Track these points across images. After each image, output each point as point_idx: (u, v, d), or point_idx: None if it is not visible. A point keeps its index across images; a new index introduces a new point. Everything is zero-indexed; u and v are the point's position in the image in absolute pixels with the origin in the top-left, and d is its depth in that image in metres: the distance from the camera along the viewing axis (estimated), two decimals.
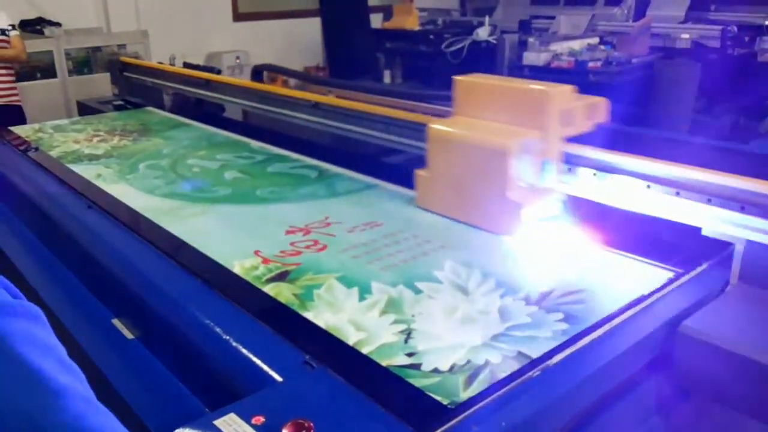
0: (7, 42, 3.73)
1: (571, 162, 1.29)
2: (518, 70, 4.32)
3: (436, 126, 1.42)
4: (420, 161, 1.74)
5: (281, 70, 3.70)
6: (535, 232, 1.26)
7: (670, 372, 1.01)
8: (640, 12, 5.33)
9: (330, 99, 1.92)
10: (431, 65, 5.35)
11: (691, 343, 0.97)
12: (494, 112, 1.36)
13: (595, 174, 1.25)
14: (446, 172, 1.39)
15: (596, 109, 1.36)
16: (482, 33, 5.04)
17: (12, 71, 3.85)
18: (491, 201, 1.29)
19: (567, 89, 1.31)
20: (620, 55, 4.17)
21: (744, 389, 0.95)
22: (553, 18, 5.29)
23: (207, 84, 2.44)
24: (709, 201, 1.14)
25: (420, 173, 1.46)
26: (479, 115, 1.38)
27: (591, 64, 4.06)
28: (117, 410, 1.00)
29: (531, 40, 4.40)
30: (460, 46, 5.05)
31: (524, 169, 1.27)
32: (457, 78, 1.44)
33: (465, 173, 1.35)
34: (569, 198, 1.31)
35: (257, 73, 3.27)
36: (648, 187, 1.18)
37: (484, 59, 4.84)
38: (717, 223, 1.13)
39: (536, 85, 1.33)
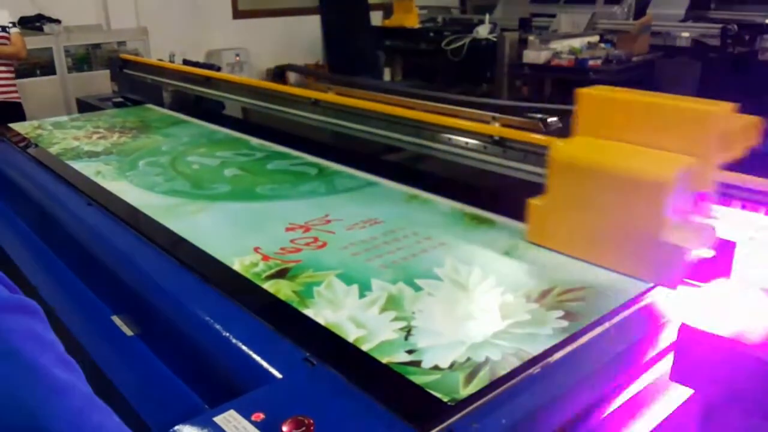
0: (7, 39, 3.73)
1: (727, 193, 1.12)
2: (518, 68, 4.32)
3: (563, 148, 1.16)
4: (418, 158, 1.75)
5: (307, 71, 3.66)
6: (713, 287, 1.01)
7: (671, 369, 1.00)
8: (640, 10, 5.34)
9: (330, 96, 1.91)
10: (431, 63, 5.35)
11: (694, 336, 0.96)
12: (635, 133, 1.11)
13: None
14: (575, 204, 1.14)
15: (752, 130, 1.14)
16: (482, 31, 5.03)
17: (12, 68, 3.85)
18: (642, 244, 1.06)
19: (729, 107, 1.08)
20: (620, 53, 4.17)
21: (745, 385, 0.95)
22: (553, 16, 5.29)
23: (207, 81, 2.43)
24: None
25: (535, 203, 1.22)
26: (614, 137, 1.14)
27: (591, 63, 4.06)
28: (116, 407, 0.99)
29: (531, 38, 4.40)
30: (460, 44, 5.05)
31: (682, 204, 1.04)
32: (582, 91, 1.18)
33: (604, 209, 1.10)
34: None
35: (279, 74, 3.25)
36: None
37: (484, 57, 4.83)
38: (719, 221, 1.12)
39: (692, 103, 1.11)
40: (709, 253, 1.07)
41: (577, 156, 1.15)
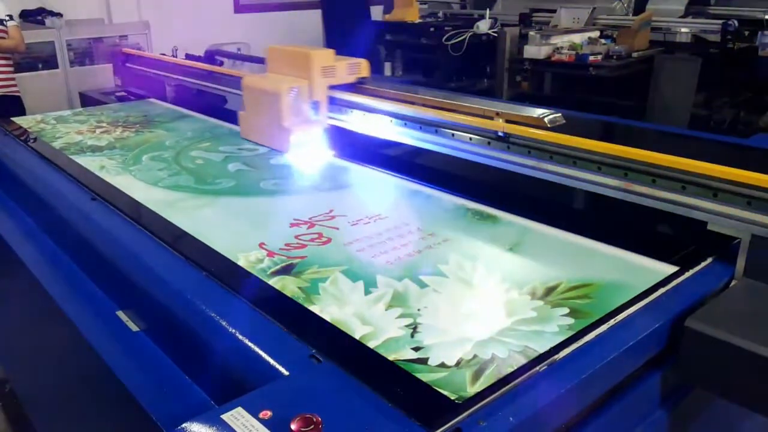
0: (5, 32, 3.71)
1: (334, 102, 1.84)
2: (518, 63, 4.31)
3: (247, 79, 2.00)
4: (417, 154, 1.75)
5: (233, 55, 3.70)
6: (305, 152, 1.82)
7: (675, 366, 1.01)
8: (640, 6, 5.32)
9: (334, 92, 1.91)
10: (432, 58, 5.33)
11: (697, 338, 0.97)
12: (285, 69, 1.90)
13: (350, 111, 1.80)
14: (253, 110, 1.96)
15: (358, 67, 1.89)
16: (483, 26, 5.01)
17: (11, 62, 3.83)
18: (274, 128, 1.83)
19: (329, 52, 1.86)
20: (620, 48, 4.15)
21: (749, 383, 0.95)
22: (553, 11, 5.27)
23: (209, 75, 2.43)
24: (715, 196, 1.14)
25: (241, 113, 2.01)
26: (279, 72, 1.90)
27: (591, 58, 4.04)
28: (122, 403, 1.00)
29: (532, 33, 4.38)
30: (460, 39, 5.03)
31: (296, 107, 1.80)
32: (270, 47, 1.98)
33: (261, 110, 1.90)
34: (336, 128, 1.85)
35: (210, 56, 3.34)
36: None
37: (484, 52, 4.82)
38: (722, 217, 1.13)
39: (305, 49, 1.88)
40: (315, 136, 1.85)
41: (252, 82, 1.96)
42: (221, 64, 3.20)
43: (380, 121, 1.72)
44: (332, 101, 1.84)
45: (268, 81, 1.88)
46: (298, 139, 1.80)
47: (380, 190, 1.58)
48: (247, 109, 1.98)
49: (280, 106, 1.78)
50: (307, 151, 1.81)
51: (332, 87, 1.84)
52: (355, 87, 1.84)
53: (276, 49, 1.96)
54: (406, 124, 1.35)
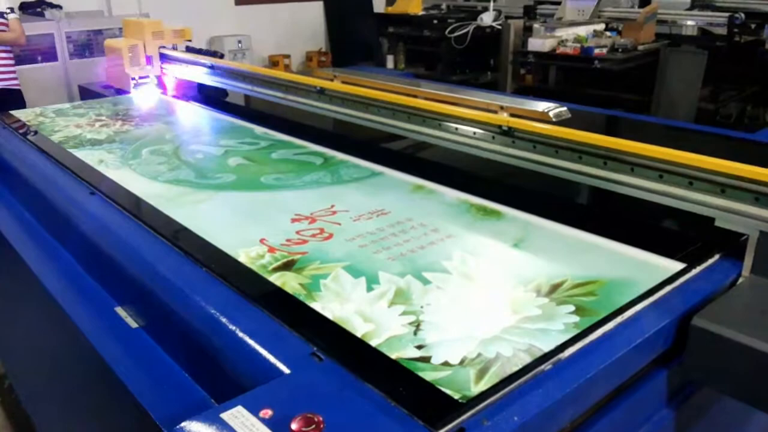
0: (6, 25, 3.69)
1: (163, 58, 2.65)
2: (522, 56, 4.28)
3: (107, 41, 2.80)
4: (423, 148, 1.73)
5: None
6: (140, 93, 2.61)
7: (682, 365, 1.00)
8: None
9: (336, 85, 1.89)
10: (435, 50, 5.30)
11: (704, 336, 0.96)
12: (133, 35, 2.68)
13: (171, 63, 2.64)
14: (111, 63, 2.72)
15: (183, 33, 2.70)
16: (486, 18, 4.98)
17: (11, 54, 3.81)
18: (122, 76, 2.65)
19: (157, 21, 2.73)
20: (626, 41, 4.13)
21: (756, 381, 0.94)
22: (558, 4, 5.23)
23: (211, 68, 2.41)
24: (723, 192, 1.12)
25: (106, 66, 2.79)
26: (131, 37, 2.69)
27: (597, 51, 4.02)
28: (121, 401, 0.99)
29: (536, 26, 4.35)
30: (464, 31, 5.00)
31: (134, 59, 2.62)
32: (124, 20, 2.88)
33: (113, 63, 2.69)
34: (163, 77, 2.65)
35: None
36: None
37: (488, 45, 4.79)
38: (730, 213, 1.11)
39: (140, 19, 2.86)
40: (152, 84, 2.66)
41: (109, 43, 2.75)
42: (222, 56, 3.18)
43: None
44: (161, 57, 2.66)
45: (120, 42, 2.70)
46: (140, 84, 2.63)
47: (384, 185, 1.55)
48: (108, 64, 2.76)
49: (121, 59, 2.60)
50: (145, 92, 2.62)
51: (162, 47, 2.65)
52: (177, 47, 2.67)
53: (128, 22, 2.80)
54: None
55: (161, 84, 2.65)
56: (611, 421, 0.92)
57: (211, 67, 2.36)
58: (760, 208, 1.08)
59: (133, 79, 2.59)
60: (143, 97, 2.57)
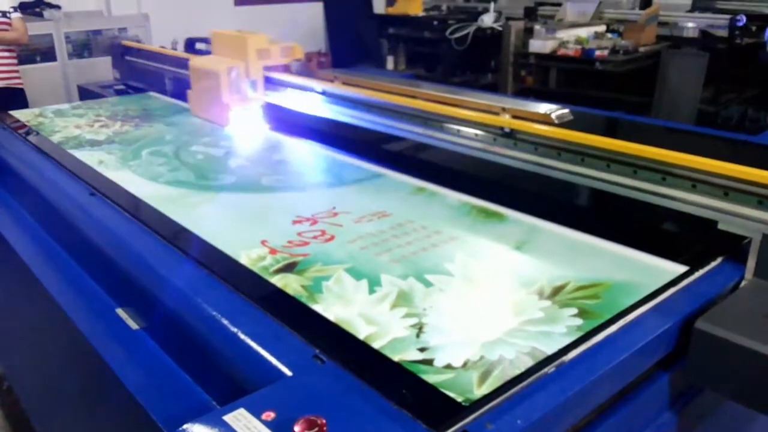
0: (9, 24, 3.69)
1: (270, 81, 2.08)
2: (523, 57, 4.28)
3: (193, 60, 2.22)
4: (422, 148, 1.72)
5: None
6: (243, 126, 2.03)
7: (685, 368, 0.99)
8: (647, 0, 5.28)
9: (336, 86, 1.88)
10: (435, 52, 5.30)
11: (707, 339, 0.95)
12: (227, 52, 2.14)
13: (284, 90, 2.04)
14: (198, 89, 2.19)
15: (291, 51, 2.12)
16: (487, 19, 4.98)
17: (14, 54, 3.81)
18: (215, 104, 2.07)
19: (263, 36, 2.08)
20: (627, 43, 4.13)
21: (759, 385, 0.94)
22: (559, 5, 5.23)
23: (323, 94, 2.38)
24: (726, 194, 1.12)
25: (189, 92, 2.23)
26: (222, 54, 2.15)
27: (598, 53, 4.02)
28: (122, 403, 0.98)
29: (537, 27, 4.35)
30: (464, 32, 5.00)
31: (235, 85, 2.04)
32: (213, 31, 2.25)
33: (204, 88, 2.13)
34: (271, 105, 2.06)
35: (190, 44, 3.39)
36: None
37: (488, 46, 4.79)
38: (733, 216, 1.11)
39: (241, 34, 2.09)
40: (251, 111, 2.06)
41: (198, 63, 2.18)
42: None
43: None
44: (268, 81, 2.09)
45: (211, 62, 2.13)
46: (237, 114, 2.05)
47: (386, 187, 1.55)
48: (193, 88, 2.22)
49: (218, 84, 2.03)
50: (245, 124, 2.05)
51: (267, 68, 2.09)
52: (288, 68, 2.11)
53: (219, 35, 2.22)
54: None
55: (263, 115, 2.08)
56: (614, 424, 0.91)
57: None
58: (763, 211, 1.08)
59: (231, 109, 2.02)
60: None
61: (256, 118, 2.05)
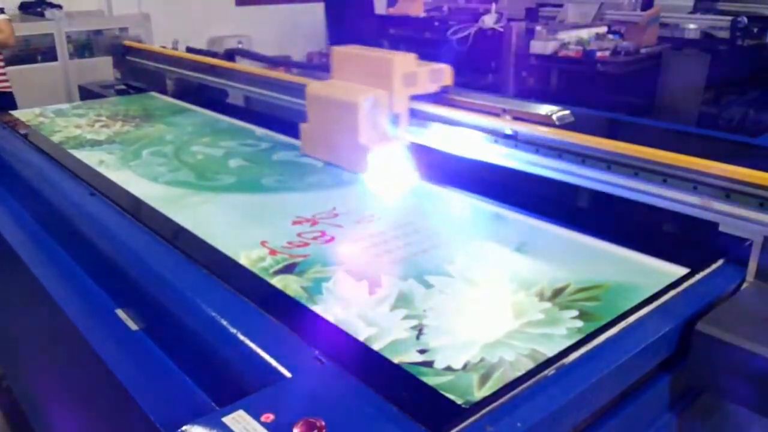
0: None
1: (416, 115, 1.58)
2: (525, 58, 4.28)
3: (312, 87, 1.71)
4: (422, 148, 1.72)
5: (253, 55, 3.67)
6: (383, 172, 1.54)
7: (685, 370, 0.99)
8: (648, 1, 5.28)
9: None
10: (436, 53, 5.29)
11: (707, 342, 0.95)
12: (357, 75, 1.64)
13: (433, 126, 1.54)
14: (319, 123, 1.69)
15: (440, 74, 1.63)
16: (488, 20, 4.98)
17: (1, 56, 3.68)
18: (348, 145, 1.58)
19: (411, 57, 1.58)
20: (628, 44, 4.12)
21: (760, 388, 0.93)
22: (560, 6, 5.23)
23: (211, 69, 2.40)
24: (727, 197, 1.12)
25: (303, 126, 1.74)
26: (348, 78, 1.66)
27: (599, 54, 4.02)
28: (121, 404, 0.98)
29: (538, 28, 4.35)
30: (465, 33, 5.00)
31: (374, 120, 1.55)
32: (334, 48, 1.73)
33: (331, 124, 1.64)
34: (416, 145, 1.58)
35: (229, 56, 3.29)
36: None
37: (490, 47, 4.78)
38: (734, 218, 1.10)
39: (385, 54, 1.61)
40: (397, 154, 1.55)
41: (318, 91, 1.69)
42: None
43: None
44: (413, 114, 1.57)
45: (341, 89, 1.62)
46: (377, 158, 1.53)
47: (386, 188, 1.54)
48: (310, 121, 1.71)
49: (356, 120, 1.52)
50: (386, 172, 1.53)
51: (414, 97, 1.58)
52: (441, 97, 1.59)
53: (344, 52, 1.70)
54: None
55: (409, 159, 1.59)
56: (615, 427, 0.91)
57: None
58: (764, 213, 1.08)
59: (370, 151, 1.54)
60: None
61: (401, 163, 1.56)
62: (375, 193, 1.43)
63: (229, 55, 3.12)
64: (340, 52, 1.71)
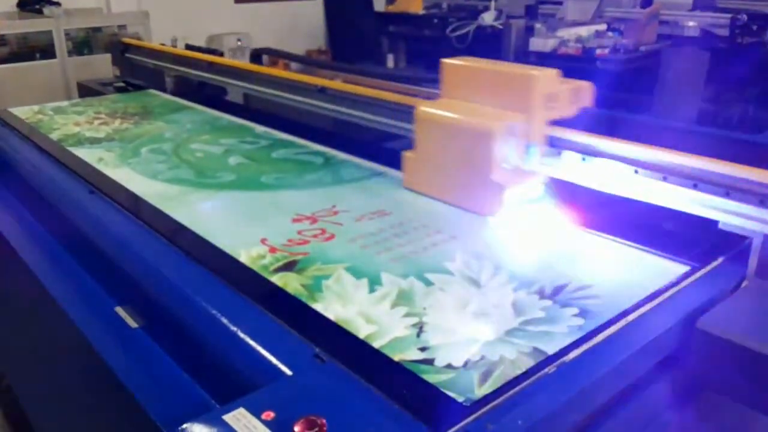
0: None
1: (556, 145, 1.29)
2: (524, 56, 4.27)
3: (424, 108, 1.42)
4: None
5: (282, 54, 3.64)
6: (518, 214, 1.28)
7: (685, 368, 0.99)
8: None
9: (337, 84, 1.88)
10: (435, 50, 5.28)
11: (708, 340, 0.95)
12: (480, 94, 1.36)
13: (583, 159, 1.24)
14: (433, 153, 1.40)
15: (581, 93, 1.37)
16: (488, 18, 4.97)
17: None
18: (475, 182, 1.30)
19: (552, 73, 1.32)
20: (628, 42, 4.12)
21: (760, 386, 0.93)
22: (560, 3, 5.22)
23: (210, 66, 2.39)
24: (727, 194, 1.12)
25: (408, 155, 1.46)
26: (466, 98, 1.39)
27: (599, 51, 4.01)
28: (121, 402, 0.98)
29: (538, 25, 4.34)
30: (465, 30, 4.99)
31: (508, 152, 1.28)
32: (445, 60, 1.44)
33: (451, 154, 1.36)
34: (553, 181, 1.32)
35: (256, 56, 3.24)
36: (636, 172, 1.18)
37: (489, 44, 4.78)
38: (734, 216, 1.10)
39: (521, 69, 1.35)
40: (535, 193, 1.29)
41: (434, 114, 1.40)
42: (222, 54, 3.15)
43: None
44: (551, 143, 1.29)
45: (465, 113, 1.33)
46: (512, 199, 1.26)
47: (386, 185, 1.54)
48: (419, 150, 1.42)
49: (488, 152, 1.25)
50: (525, 215, 1.26)
51: (553, 122, 1.30)
52: (582, 122, 1.31)
53: (461, 66, 1.41)
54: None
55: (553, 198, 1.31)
56: (615, 425, 0.91)
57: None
58: (764, 210, 1.07)
59: (504, 190, 1.26)
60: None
61: (542, 205, 1.29)
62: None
63: (257, 55, 3.08)
64: (455, 65, 1.41)
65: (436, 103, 1.44)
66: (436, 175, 1.38)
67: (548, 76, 1.30)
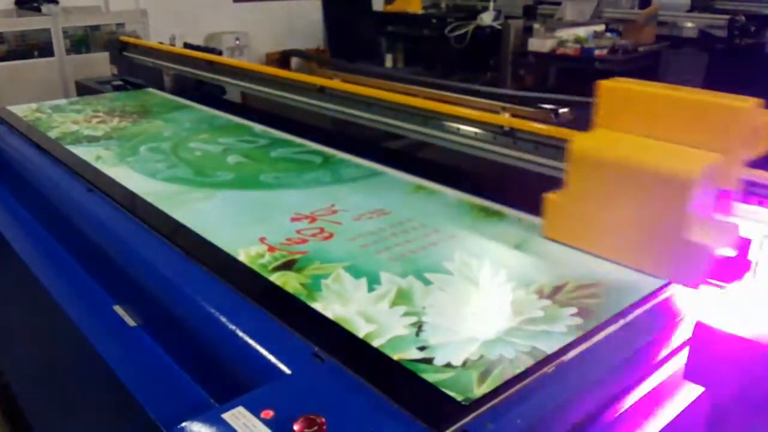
0: None
1: (756, 193, 1.06)
2: (522, 56, 4.28)
3: (584, 143, 1.13)
4: (421, 147, 1.71)
5: (311, 57, 3.59)
6: (734, 290, 0.99)
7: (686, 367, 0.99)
8: None
9: (335, 83, 1.88)
10: (434, 50, 5.29)
11: (707, 338, 0.95)
12: (656, 127, 1.08)
13: None
14: (595, 200, 1.11)
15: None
16: (486, 18, 4.98)
17: None
18: (663, 241, 1.03)
19: (755, 102, 1.05)
20: (626, 43, 4.13)
21: (761, 385, 0.94)
22: (558, 4, 5.23)
23: (209, 65, 2.39)
24: None
25: (553, 198, 1.18)
26: (632, 130, 1.11)
27: (597, 52, 4.02)
28: (120, 400, 0.98)
29: (536, 26, 4.35)
30: (463, 30, 5.00)
31: (704, 202, 1.00)
32: (604, 83, 1.16)
33: (624, 203, 1.07)
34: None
35: (283, 59, 3.21)
36: None
37: (487, 45, 4.78)
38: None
39: (718, 98, 1.07)
40: (731, 253, 1.04)
41: (597, 150, 1.12)
42: (220, 53, 3.15)
43: None
44: (750, 190, 1.09)
45: (643, 150, 1.07)
46: (711, 262, 0.99)
47: (385, 185, 1.54)
48: (573, 194, 1.15)
49: (682, 203, 0.99)
50: (738, 289, 0.99)
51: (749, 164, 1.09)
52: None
53: (628, 91, 1.14)
54: None
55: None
56: (615, 424, 0.91)
57: None
58: (764, 212, 1.08)
59: (706, 253, 1.00)
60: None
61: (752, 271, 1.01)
62: (372, 191, 1.28)
63: (285, 57, 3.05)
64: (618, 88, 1.14)
65: (597, 136, 1.16)
66: (597, 227, 1.12)
67: (753, 108, 1.04)
